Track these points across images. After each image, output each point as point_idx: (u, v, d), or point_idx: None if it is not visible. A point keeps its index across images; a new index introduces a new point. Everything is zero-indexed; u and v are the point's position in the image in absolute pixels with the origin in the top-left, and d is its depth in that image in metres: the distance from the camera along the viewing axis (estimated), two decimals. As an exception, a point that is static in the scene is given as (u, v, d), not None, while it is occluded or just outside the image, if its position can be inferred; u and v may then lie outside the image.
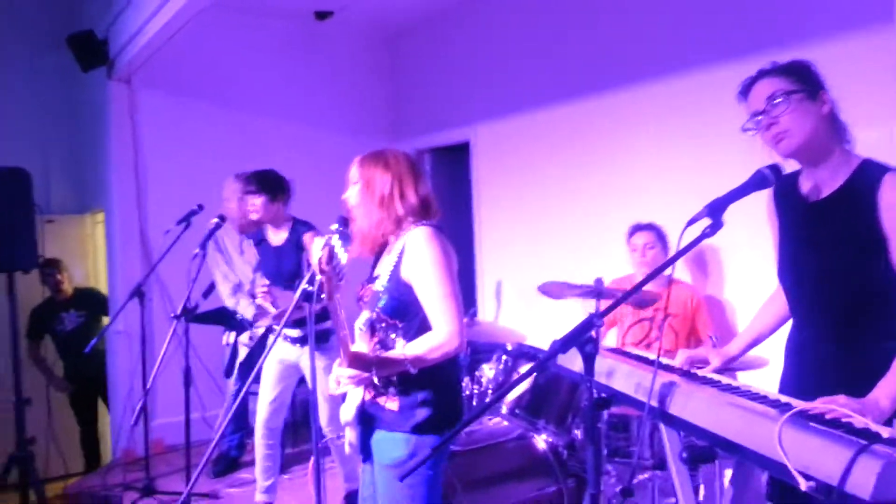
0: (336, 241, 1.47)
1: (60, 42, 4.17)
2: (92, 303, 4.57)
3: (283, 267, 2.92)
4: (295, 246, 2.91)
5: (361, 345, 1.70)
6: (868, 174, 1.41)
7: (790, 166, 1.52)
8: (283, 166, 4.36)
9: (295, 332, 2.84)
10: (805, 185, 1.53)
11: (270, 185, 2.89)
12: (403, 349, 1.61)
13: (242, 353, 3.29)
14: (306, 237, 2.89)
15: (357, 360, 1.59)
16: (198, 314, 3.10)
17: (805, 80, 1.43)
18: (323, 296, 1.56)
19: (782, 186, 1.56)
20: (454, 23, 4.68)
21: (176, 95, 4.41)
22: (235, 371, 3.50)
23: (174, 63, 4.28)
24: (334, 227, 1.62)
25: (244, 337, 3.31)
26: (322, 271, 1.46)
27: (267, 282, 2.93)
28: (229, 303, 3.56)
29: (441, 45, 4.84)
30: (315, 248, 1.48)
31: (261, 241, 3.04)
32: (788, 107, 1.41)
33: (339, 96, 5.03)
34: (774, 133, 1.43)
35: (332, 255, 1.46)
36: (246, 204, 2.90)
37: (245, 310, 3.30)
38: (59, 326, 4.45)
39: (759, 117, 1.45)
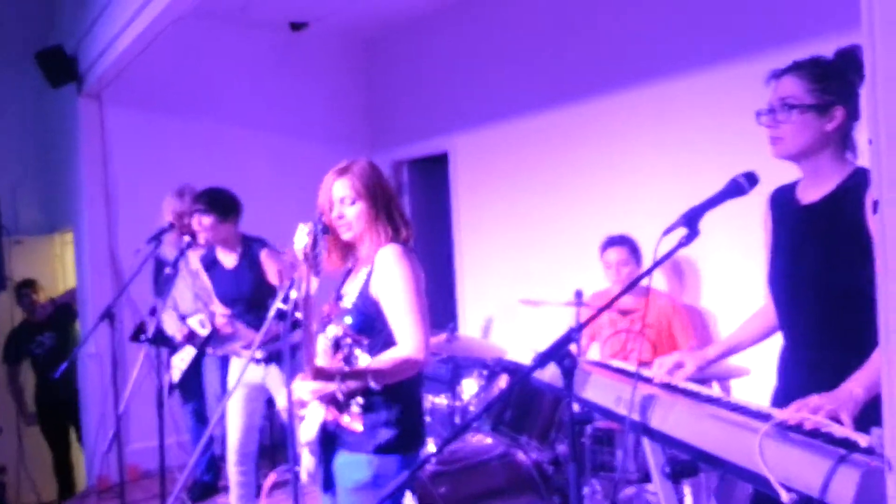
0: (318, 229, 1.47)
1: (30, 58, 4.09)
2: (66, 321, 4.46)
3: (242, 289, 2.82)
4: (250, 265, 2.81)
5: (324, 361, 1.69)
6: (857, 179, 1.43)
7: (784, 167, 1.53)
8: (258, 179, 4.31)
9: (257, 353, 2.77)
10: (800, 191, 1.56)
11: (221, 204, 2.79)
12: (367, 364, 1.60)
13: (175, 375, 3.23)
14: (263, 255, 2.79)
15: (321, 374, 1.56)
16: (150, 335, 3.03)
17: (827, 91, 1.44)
18: (290, 305, 1.53)
19: (780, 195, 1.59)
20: (431, 33, 4.69)
21: (147, 111, 4.34)
22: (167, 392, 3.41)
23: (145, 78, 4.22)
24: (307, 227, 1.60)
25: (176, 359, 3.25)
26: (305, 256, 1.45)
27: (227, 311, 2.81)
28: (167, 323, 3.47)
29: (418, 56, 4.84)
30: (299, 234, 1.47)
31: (212, 264, 2.92)
32: (790, 118, 1.45)
33: (316, 107, 4.99)
34: (771, 135, 1.48)
35: (315, 242, 1.44)
36: (193, 222, 2.79)
37: (169, 327, 3.23)
38: (36, 349, 4.35)
39: (768, 115, 1.48)
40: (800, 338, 1.53)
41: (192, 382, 3.49)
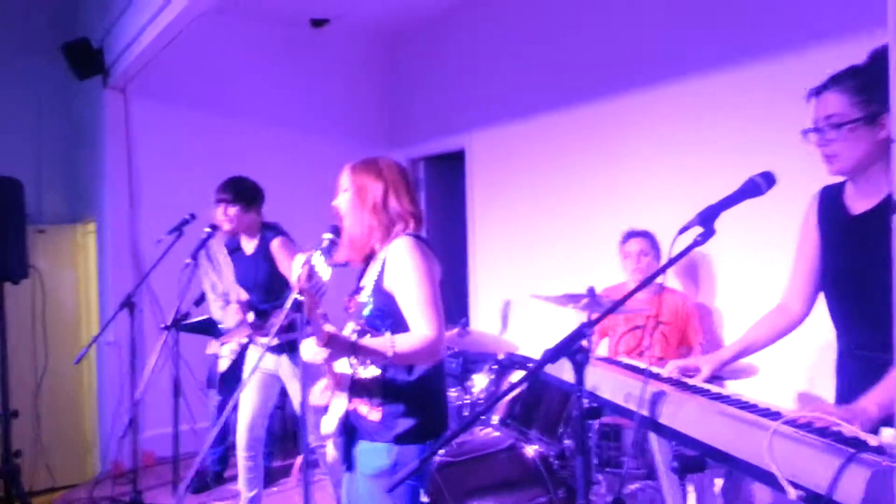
0: (317, 258, 1.46)
1: (56, 50, 4.17)
2: None
3: (258, 277, 2.87)
4: (264, 254, 2.85)
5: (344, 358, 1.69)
6: None
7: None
8: (278, 174, 4.35)
9: (273, 340, 2.80)
10: (849, 197, 1.53)
11: (245, 193, 2.85)
12: (392, 337, 1.56)
13: (223, 364, 3.25)
14: (273, 244, 2.81)
15: (334, 342, 1.50)
16: (186, 323, 3.08)
17: (871, 101, 1.40)
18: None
19: (829, 197, 1.57)
20: (450, 31, 4.71)
21: (171, 104, 4.41)
22: (216, 382, 3.46)
23: (169, 72, 4.28)
24: (327, 236, 1.61)
25: (225, 349, 3.27)
26: (301, 290, 1.45)
27: (246, 296, 2.85)
28: (216, 313, 3.53)
29: (436, 54, 4.87)
30: (295, 266, 1.46)
31: (235, 250, 2.98)
32: (840, 136, 1.42)
33: (335, 104, 5.04)
34: (823, 154, 1.46)
35: (311, 274, 1.44)
36: (218, 211, 2.85)
37: (228, 321, 3.26)
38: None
39: (816, 134, 1.46)
40: (857, 339, 1.51)
41: (230, 374, 3.52)
